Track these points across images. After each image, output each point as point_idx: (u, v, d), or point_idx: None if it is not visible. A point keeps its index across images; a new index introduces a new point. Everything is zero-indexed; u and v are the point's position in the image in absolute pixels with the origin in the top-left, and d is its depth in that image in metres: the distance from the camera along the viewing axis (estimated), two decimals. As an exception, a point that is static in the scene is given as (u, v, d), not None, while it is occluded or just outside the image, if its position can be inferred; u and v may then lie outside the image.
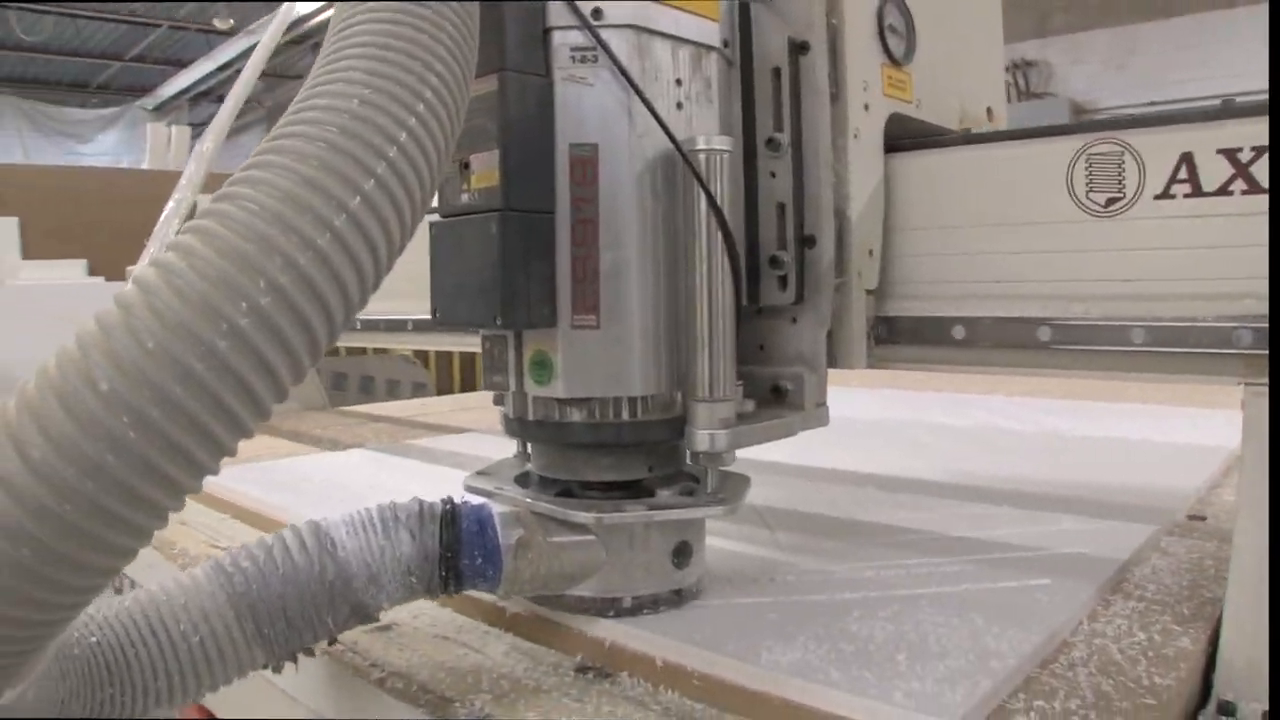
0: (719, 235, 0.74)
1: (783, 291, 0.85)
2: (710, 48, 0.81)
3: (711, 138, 0.74)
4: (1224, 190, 0.77)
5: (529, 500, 0.78)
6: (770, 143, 0.84)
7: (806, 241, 0.85)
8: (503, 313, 0.71)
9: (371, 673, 0.77)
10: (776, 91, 0.85)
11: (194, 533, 1.22)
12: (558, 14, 0.73)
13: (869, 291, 0.93)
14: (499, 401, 0.85)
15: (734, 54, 0.84)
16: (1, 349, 3.46)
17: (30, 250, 4.33)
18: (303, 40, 15.47)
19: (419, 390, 4.52)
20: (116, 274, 4.05)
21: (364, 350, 4.45)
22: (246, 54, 15.50)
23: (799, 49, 0.84)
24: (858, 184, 0.89)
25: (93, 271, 4.25)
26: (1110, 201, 0.83)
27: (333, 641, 0.79)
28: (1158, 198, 0.80)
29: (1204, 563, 0.98)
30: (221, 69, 16.02)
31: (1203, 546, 1.04)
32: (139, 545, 0.50)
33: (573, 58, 0.73)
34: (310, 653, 0.75)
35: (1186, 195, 0.79)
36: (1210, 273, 0.78)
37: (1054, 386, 2.24)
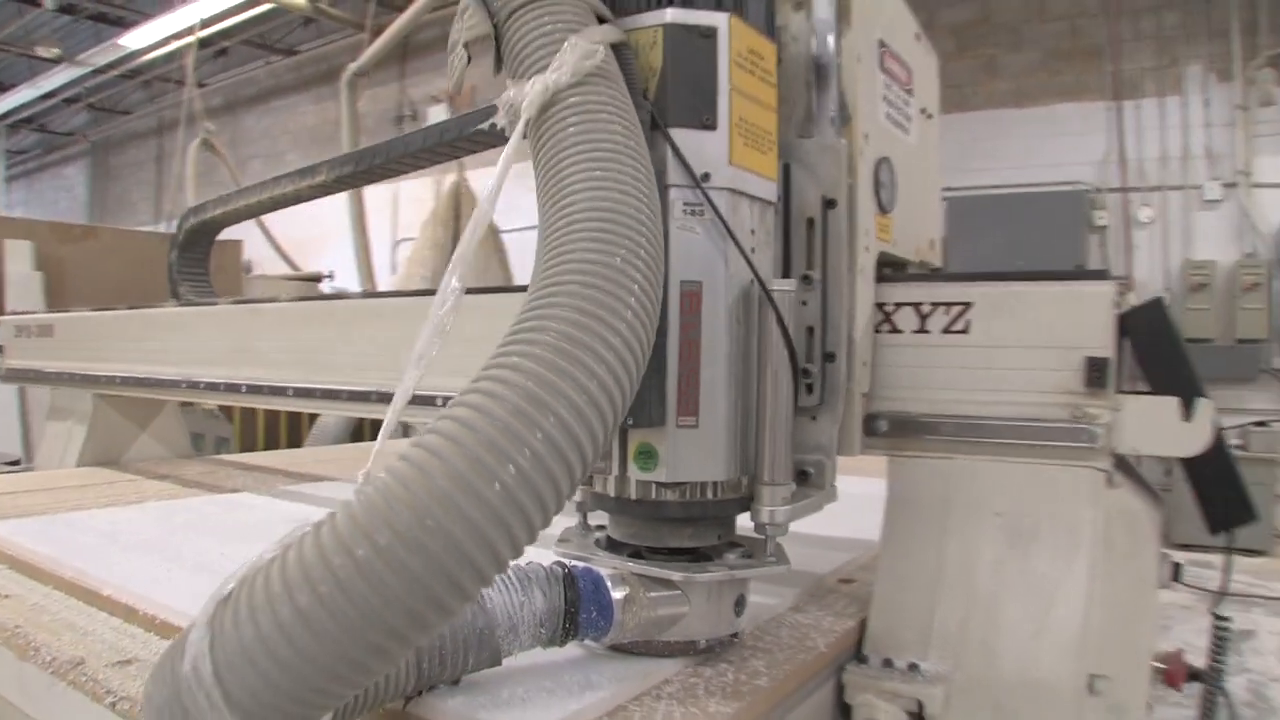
0: (786, 354, 0.95)
1: (809, 395, 1.06)
2: (770, 203, 1.02)
3: (780, 280, 0.95)
4: (880, 328, 1.18)
5: (630, 564, 0.96)
6: (805, 279, 1.06)
7: (828, 357, 1.07)
8: (634, 414, 0.89)
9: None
10: (809, 238, 1.07)
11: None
12: (675, 173, 0.92)
13: (863, 395, 1.16)
14: (586, 482, 1.01)
15: (779, 206, 1.06)
16: None
17: None
18: (133, 75, 14.96)
19: (222, 444, 4.68)
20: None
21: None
22: (74, 84, 14.43)
23: (829, 204, 1.07)
24: (860, 311, 1.12)
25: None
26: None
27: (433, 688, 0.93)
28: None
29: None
30: (45, 97, 15.22)
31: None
32: (441, 624, 0.64)
33: (685, 210, 0.93)
34: (434, 688, 0.89)
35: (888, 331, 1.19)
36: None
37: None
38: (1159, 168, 8.45)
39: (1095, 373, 1.06)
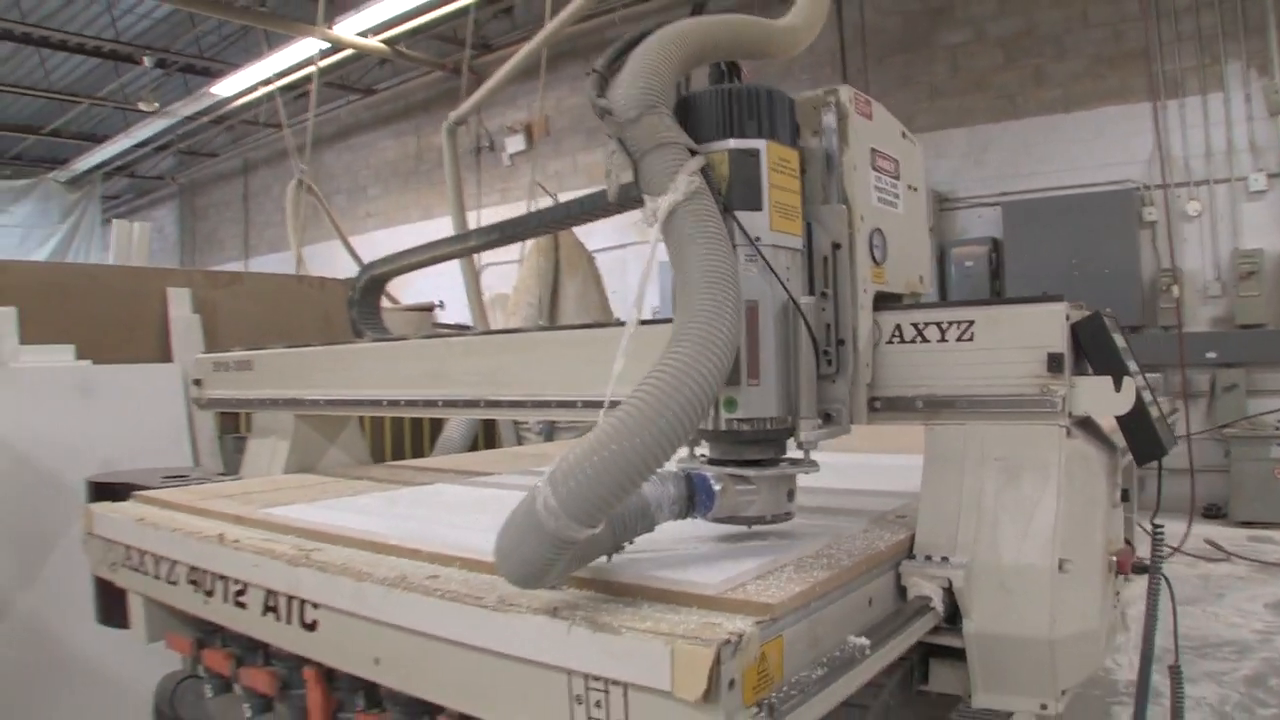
0: (810, 341, 1.59)
1: (830, 366, 1.71)
2: (797, 250, 1.67)
3: (805, 297, 1.60)
4: (915, 339, 1.74)
5: (725, 470, 1.61)
6: (824, 294, 1.70)
7: (840, 342, 1.71)
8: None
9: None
10: (825, 269, 1.71)
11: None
12: (740, 238, 1.56)
13: (868, 384, 1.78)
14: (693, 423, 1.66)
15: (803, 249, 1.70)
16: (2, 422, 3.97)
17: (24, 337, 4.56)
18: (220, 121, 16.08)
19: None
20: (101, 357, 4.47)
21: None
22: (166, 131, 15.51)
23: (836, 247, 1.71)
24: (862, 328, 1.73)
25: (80, 356, 4.57)
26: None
27: (621, 548, 1.56)
28: (887, 342, 1.76)
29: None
30: (139, 146, 16.39)
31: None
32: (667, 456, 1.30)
33: (746, 259, 1.57)
34: (620, 549, 1.52)
35: (899, 341, 1.75)
36: (893, 378, 1.75)
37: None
38: (1204, 162, 8.85)
39: (1055, 363, 1.66)
